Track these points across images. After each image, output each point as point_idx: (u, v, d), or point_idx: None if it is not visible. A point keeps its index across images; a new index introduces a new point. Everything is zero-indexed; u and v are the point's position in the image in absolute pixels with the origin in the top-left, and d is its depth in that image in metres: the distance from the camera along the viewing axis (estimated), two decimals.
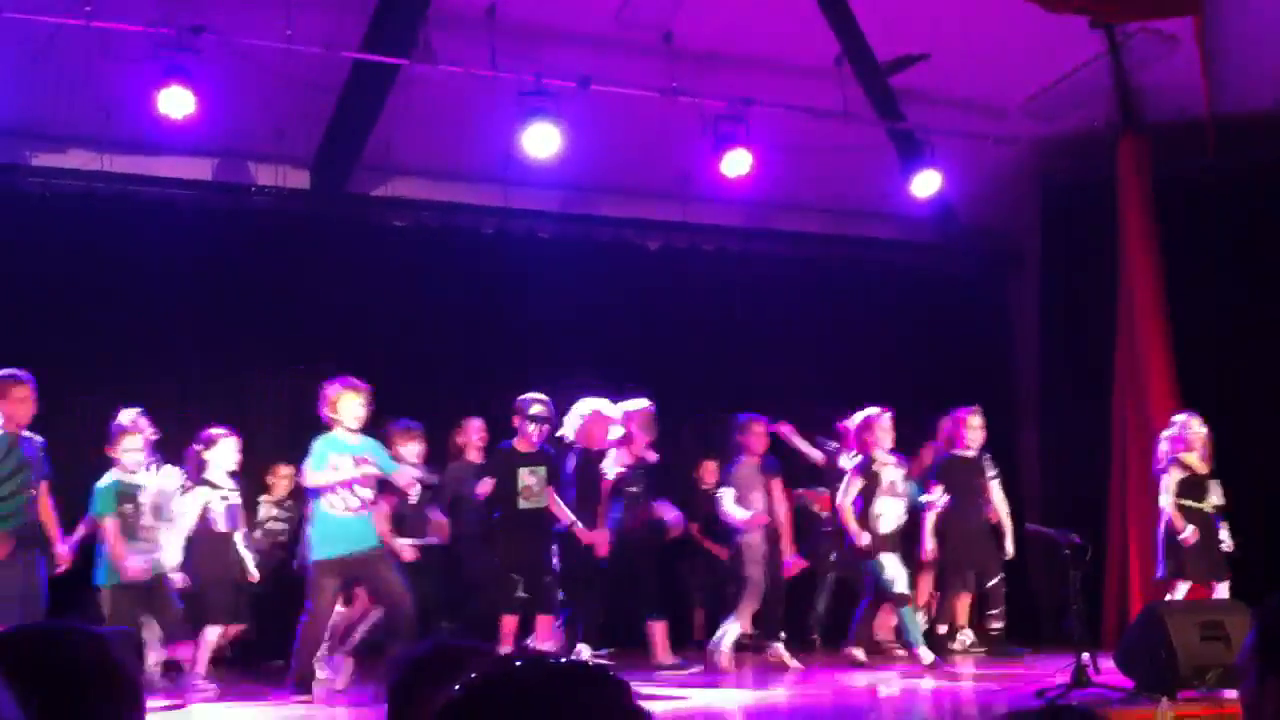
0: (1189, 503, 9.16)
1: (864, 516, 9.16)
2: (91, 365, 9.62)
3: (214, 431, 8.53)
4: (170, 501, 8.11)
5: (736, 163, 9.96)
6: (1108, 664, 7.72)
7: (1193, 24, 9.81)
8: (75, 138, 9.78)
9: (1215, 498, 9.25)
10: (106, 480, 7.87)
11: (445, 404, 10.15)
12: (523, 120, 9.41)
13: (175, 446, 8.53)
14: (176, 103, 8.59)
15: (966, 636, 9.96)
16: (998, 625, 9.80)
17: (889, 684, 8.89)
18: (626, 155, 10.84)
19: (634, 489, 9.07)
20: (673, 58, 9.91)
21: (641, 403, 9.22)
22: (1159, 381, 10.61)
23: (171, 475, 8.17)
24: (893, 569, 9.07)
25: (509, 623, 8.70)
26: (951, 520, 9.69)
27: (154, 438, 8.00)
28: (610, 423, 9.07)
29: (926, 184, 10.79)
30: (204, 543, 8.40)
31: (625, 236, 11.65)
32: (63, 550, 7.70)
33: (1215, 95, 10.19)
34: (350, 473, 7.83)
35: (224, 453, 8.50)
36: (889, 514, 9.19)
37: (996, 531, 9.85)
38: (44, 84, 9.14)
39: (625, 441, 9.08)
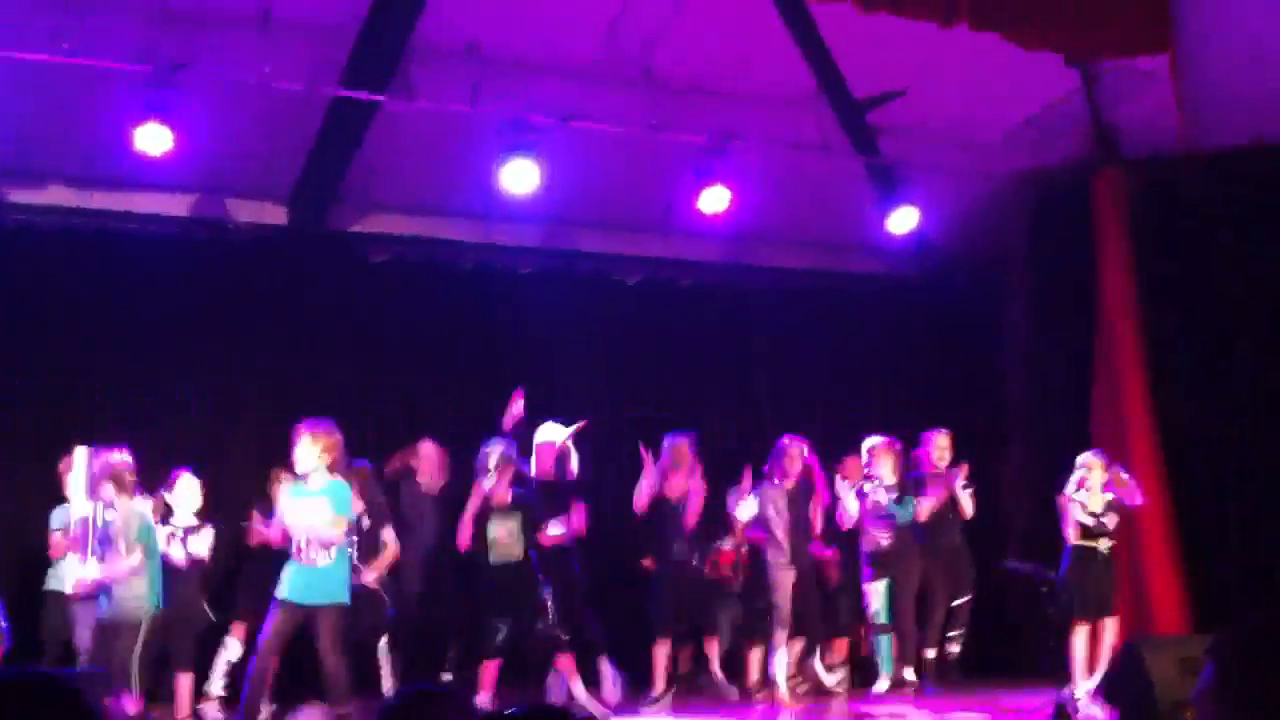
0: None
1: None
2: (70, 400, 9.58)
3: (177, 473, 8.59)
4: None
5: (715, 200, 9.98)
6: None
7: (1167, 60, 9.88)
8: (54, 174, 9.78)
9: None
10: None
11: (425, 436, 10.11)
12: (503, 156, 9.43)
13: (152, 479, 8.49)
14: (153, 140, 8.57)
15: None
16: (955, 649, 9.81)
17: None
18: (607, 189, 10.86)
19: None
20: (654, 91, 9.94)
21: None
22: (1136, 408, 10.70)
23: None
24: (878, 598, 9.21)
25: (490, 669, 8.69)
26: (926, 539, 9.81)
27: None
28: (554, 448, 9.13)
29: (903, 220, 10.83)
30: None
31: (606, 271, 11.67)
32: None
33: (1190, 130, 10.26)
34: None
35: (184, 493, 8.51)
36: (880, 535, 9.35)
37: (964, 552, 9.95)
38: (23, 120, 9.12)
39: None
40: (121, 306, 9.86)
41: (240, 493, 9.37)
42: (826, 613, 9.79)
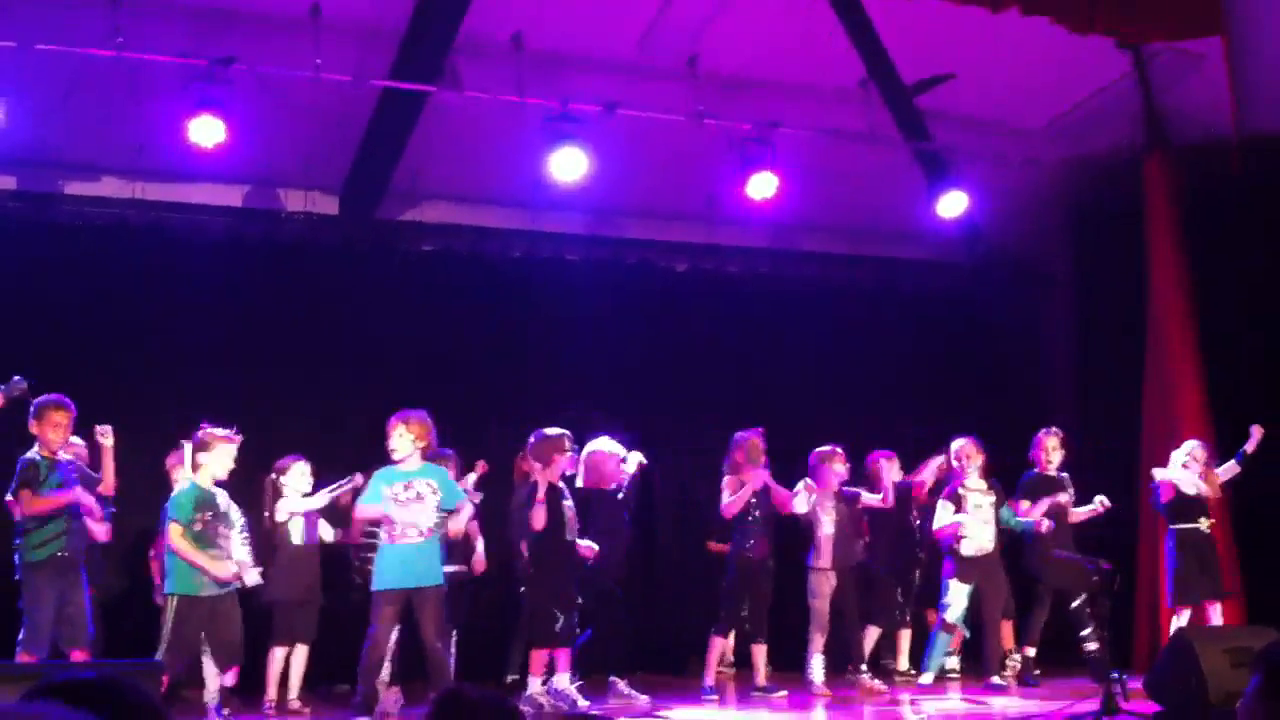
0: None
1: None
2: (124, 391, 9.71)
3: (288, 460, 8.77)
4: (232, 511, 8.12)
5: (762, 185, 9.99)
6: (1138, 687, 7.70)
7: (1219, 43, 9.77)
8: (107, 167, 9.91)
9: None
10: (183, 488, 7.92)
11: (474, 427, 10.18)
12: (549, 145, 9.48)
13: None
14: (207, 132, 8.70)
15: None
16: (1092, 646, 9.53)
17: (920, 711, 8.89)
18: (653, 178, 10.88)
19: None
20: (698, 82, 9.94)
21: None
22: (1189, 401, 10.59)
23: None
24: (955, 595, 9.16)
25: (540, 656, 8.72)
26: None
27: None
28: (616, 459, 9.19)
29: (953, 204, 10.79)
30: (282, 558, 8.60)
31: (652, 259, 11.68)
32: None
33: (1242, 114, 10.13)
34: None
35: (296, 476, 8.72)
36: (973, 539, 9.32)
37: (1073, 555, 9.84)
38: (76, 114, 9.26)
39: None
40: (174, 296, 9.97)
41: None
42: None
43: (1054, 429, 9.95)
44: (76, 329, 9.71)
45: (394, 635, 8.11)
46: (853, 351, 11.93)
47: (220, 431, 7.92)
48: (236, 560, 7.96)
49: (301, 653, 8.67)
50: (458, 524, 8.24)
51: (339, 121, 9.79)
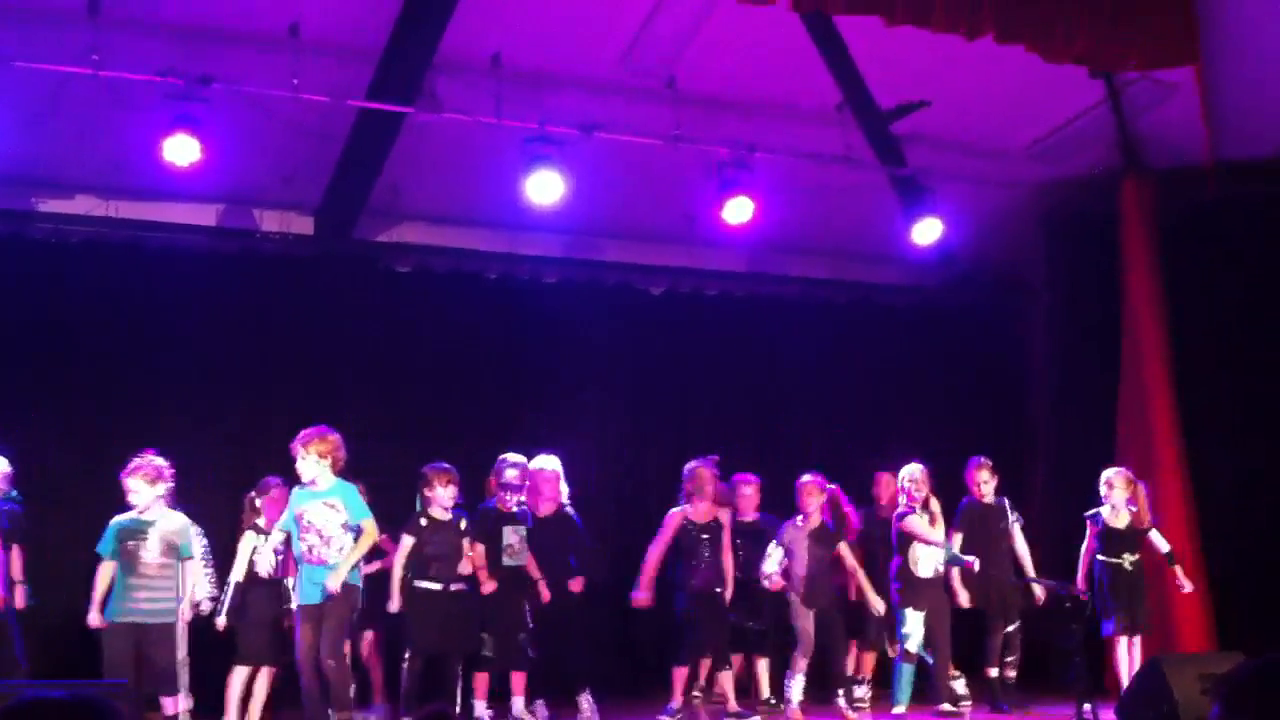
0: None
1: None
2: (99, 409, 9.67)
3: (269, 481, 8.70)
4: (193, 542, 8.11)
5: (738, 210, 10.01)
6: (1110, 714, 7.72)
7: (1192, 73, 9.86)
8: (83, 185, 9.87)
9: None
10: (114, 521, 7.92)
11: (450, 448, 10.15)
12: (527, 166, 9.48)
13: (179, 489, 8.57)
14: (182, 151, 8.67)
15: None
16: (1011, 674, 9.69)
17: None
18: (631, 200, 10.91)
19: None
20: (676, 103, 9.96)
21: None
22: (1162, 419, 10.68)
23: (175, 517, 8.11)
24: (913, 624, 9.15)
25: (483, 680, 8.81)
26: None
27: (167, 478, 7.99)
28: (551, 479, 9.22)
29: (928, 231, 10.83)
30: (248, 586, 8.54)
31: (630, 281, 11.70)
32: None
33: (1216, 141, 10.24)
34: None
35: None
36: (925, 562, 9.30)
37: (1015, 582, 9.83)
38: (53, 132, 9.22)
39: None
40: (149, 315, 9.94)
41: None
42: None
43: (983, 459, 9.91)
44: (50, 347, 9.67)
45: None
46: (831, 373, 11.97)
47: (137, 461, 7.90)
48: (191, 591, 7.98)
49: (265, 675, 8.59)
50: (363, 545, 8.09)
51: (316, 141, 9.77)
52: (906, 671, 9.16)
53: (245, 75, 8.83)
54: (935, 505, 9.43)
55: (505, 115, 9.39)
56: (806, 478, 9.30)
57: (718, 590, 9.31)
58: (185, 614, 7.97)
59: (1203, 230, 11.05)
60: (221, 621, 8.44)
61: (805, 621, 9.13)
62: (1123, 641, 9.30)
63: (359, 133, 9.90)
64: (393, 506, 9.03)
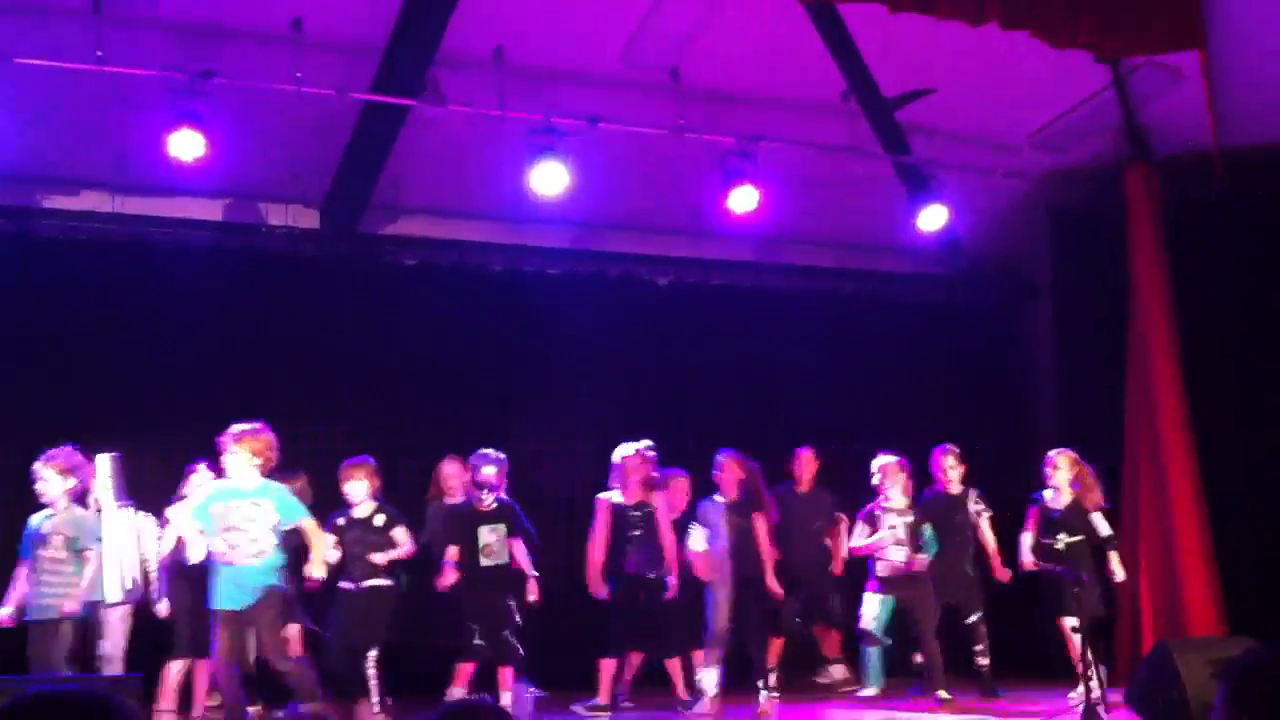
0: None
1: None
2: (104, 406, 9.68)
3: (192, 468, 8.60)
4: (88, 535, 7.96)
5: (743, 199, 10.01)
6: (1118, 699, 7.71)
7: (1198, 58, 9.83)
8: (88, 181, 9.89)
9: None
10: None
11: (457, 441, 10.16)
12: (532, 158, 9.48)
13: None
14: (187, 146, 8.67)
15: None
16: (984, 661, 9.71)
17: None
18: (636, 192, 10.90)
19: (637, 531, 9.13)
20: (680, 95, 9.95)
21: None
22: (1170, 411, 10.62)
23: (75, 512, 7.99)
24: (871, 608, 9.07)
25: (464, 670, 8.71)
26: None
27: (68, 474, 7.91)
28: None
29: (933, 218, 10.83)
30: (177, 575, 8.42)
31: (635, 272, 11.68)
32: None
33: (1221, 127, 10.21)
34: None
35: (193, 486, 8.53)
36: (888, 559, 9.27)
37: (975, 576, 9.85)
38: (57, 129, 9.24)
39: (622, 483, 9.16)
40: (155, 311, 9.95)
41: None
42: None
43: (949, 446, 9.91)
44: (56, 344, 9.69)
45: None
46: (836, 363, 11.95)
47: (54, 451, 7.89)
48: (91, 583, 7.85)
49: (204, 668, 8.46)
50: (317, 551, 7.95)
51: (321, 135, 9.78)
52: (869, 654, 9.17)
53: (249, 70, 8.84)
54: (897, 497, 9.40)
55: (509, 109, 9.39)
56: (724, 455, 9.22)
57: (652, 576, 9.08)
58: (70, 607, 7.74)
59: (1209, 217, 11.01)
60: (163, 609, 8.30)
61: (721, 610, 8.97)
62: (1067, 623, 9.16)
63: (363, 127, 9.91)
64: (396, 503, 9.05)
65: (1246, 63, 10.01)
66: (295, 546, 8.04)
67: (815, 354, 11.88)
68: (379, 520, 8.68)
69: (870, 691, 9.40)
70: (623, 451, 9.21)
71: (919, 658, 9.56)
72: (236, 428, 7.77)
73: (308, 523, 7.87)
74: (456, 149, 10.19)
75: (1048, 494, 9.44)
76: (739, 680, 9.21)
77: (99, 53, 8.33)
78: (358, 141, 10.00)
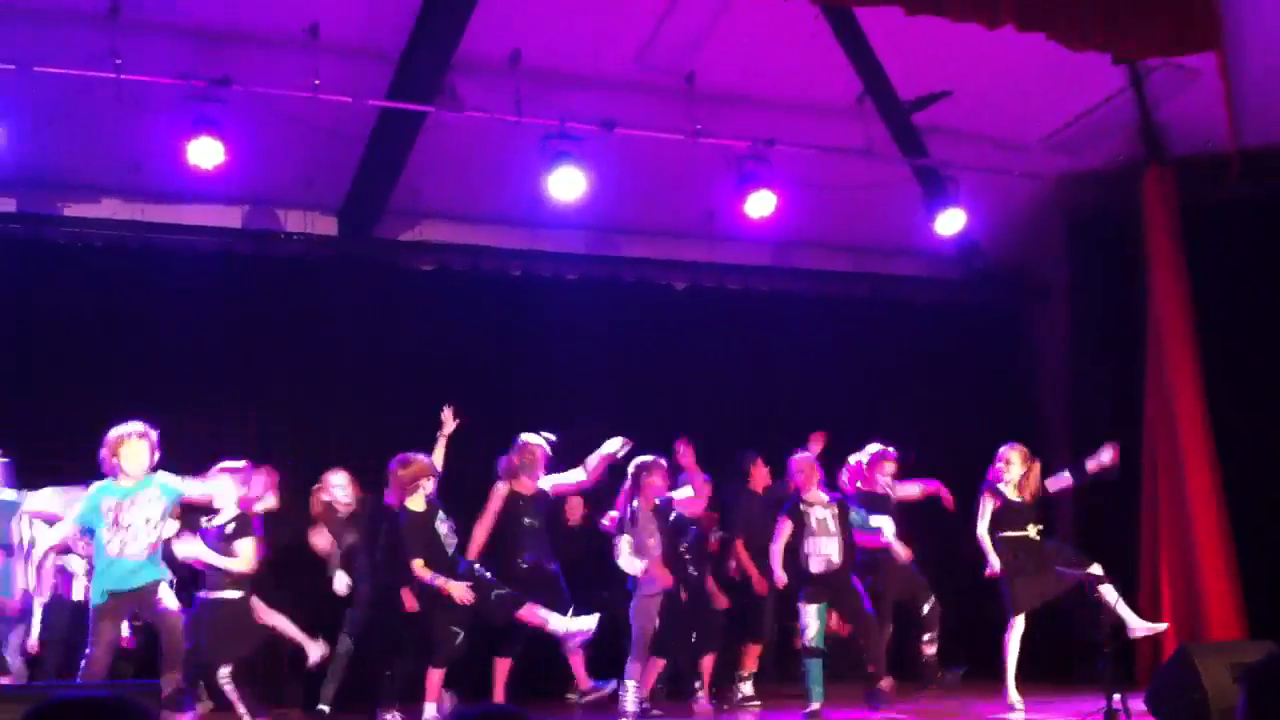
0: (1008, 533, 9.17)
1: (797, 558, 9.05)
2: (122, 411, 9.69)
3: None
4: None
5: (760, 204, 10.01)
6: (1140, 704, 7.68)
7: (1215, 59, 9.80)
8: (106, 188, 9.92)
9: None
10: None
11: (472, 445, 10.15)
12: (547, 163, 9.49)
13: None
14: (206, 153, 8.71)
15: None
16: (931, 650, 9.71)
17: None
18: (651, 196, 10.90)
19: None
20: (695, 99, 9.95)
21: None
22: (1189, 413, 10.57)
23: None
24: (808, 618, 8.86)
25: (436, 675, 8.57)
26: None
27: None
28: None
29: (951, 222, 10.80)
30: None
31: (651, 277, 11.68)
32: None
33: (1238, 128, 10.17)
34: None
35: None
36: (819, 554, 8.99)
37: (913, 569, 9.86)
38: (74, 136, 9.27)
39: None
40: (173, 317, 9.98)
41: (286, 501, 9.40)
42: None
43: (889, 450, 9.97)
44: (74, 349, 9.73)
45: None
46: (852, 367, 11.93)
47: None
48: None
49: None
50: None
51: (337, 141, 9.80)
52: (810, 666, 8.80)
53: (265, 77, 8.87)
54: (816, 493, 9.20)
55: (524, 114, 9.40)
56: (649, 459, 9.02)
57: (551, 568, 8.89)
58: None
59: (1225, 217, 10.96)
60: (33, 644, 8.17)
61: (648, 615, 8.79)
62: (1021, 620, 9.06)
63: (380, 133, 9.93)
64: None
65: (1262, 63, 9.97)
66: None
67: (832, 357, 11.87)
68: (229, 529, 8.25)
69: (815, 706, 9.05)
70: (524, 440, 9.10)
71: (929, 649, 9.63)
72: (130, 427, 7.63)
73: (190, 485, 7.76)
74: (472, 154, 10.20)
75: (1007, 490, 9.24)
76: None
77: (116, 59, 8.36)
78: (374, 147, 10.03)
